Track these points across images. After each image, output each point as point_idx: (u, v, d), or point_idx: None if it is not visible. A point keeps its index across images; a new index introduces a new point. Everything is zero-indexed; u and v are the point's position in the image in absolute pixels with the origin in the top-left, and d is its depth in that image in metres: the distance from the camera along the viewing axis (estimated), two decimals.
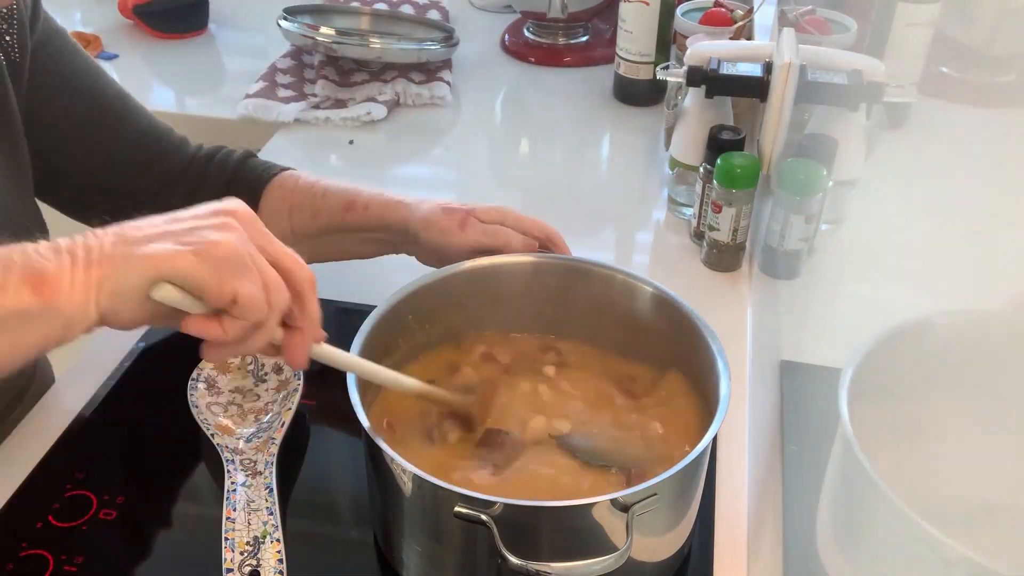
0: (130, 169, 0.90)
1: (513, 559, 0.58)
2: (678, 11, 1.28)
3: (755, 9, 1.24)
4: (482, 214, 0.84)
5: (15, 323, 0.53)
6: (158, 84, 1.51)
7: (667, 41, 1.32)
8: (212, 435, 0.78)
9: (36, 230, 0.82)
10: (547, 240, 0.84)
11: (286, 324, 0.61)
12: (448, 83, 1.41)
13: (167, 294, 0.55)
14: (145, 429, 0.84)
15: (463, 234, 0.82)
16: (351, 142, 1.30)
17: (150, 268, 0.54)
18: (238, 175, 0.92)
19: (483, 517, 0.59)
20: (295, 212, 0.89)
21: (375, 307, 0.74)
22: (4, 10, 0.78)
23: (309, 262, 0.65)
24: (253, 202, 0.85)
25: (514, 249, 0.82)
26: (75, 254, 0.55)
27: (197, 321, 0.57)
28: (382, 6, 1.61)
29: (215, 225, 0.56)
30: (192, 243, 0.55)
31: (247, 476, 0.74)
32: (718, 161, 0.98)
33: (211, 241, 0.55)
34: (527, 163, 1.34)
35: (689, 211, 1.10)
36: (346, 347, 0.68)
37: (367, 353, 0.70)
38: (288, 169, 0.93)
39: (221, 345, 0.58)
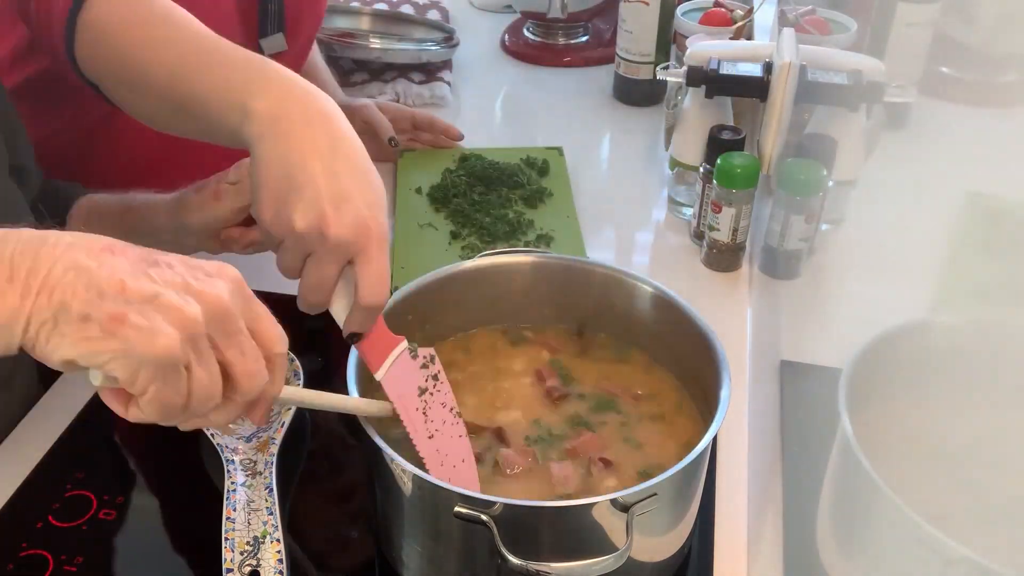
0: None
1: (513, 559, 0.58)
2: (678, 11, 1.28)
3: (755, 9, 1.24)
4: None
5: None
6: None
7: (667, 41, 1.32)
8: (212, 435, 0.78)
9: (12, 211, 0.81)
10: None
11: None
12: (448, 83, 1.41)
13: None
14: (145, 429, 0.84)
15: (219, 204, 0.79)
16: None
17: (73, 352, 0.50)
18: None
19: (483, 517, 0.59)
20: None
21: None
22: None
23: None
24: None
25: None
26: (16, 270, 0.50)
27: (106, 393, 0.54)
28: (382, 6, 1.61)
29: (175, 306, 0.51)
30: (132, 333, 0.49)
31: (247, 476, 0.74)
32: (718, 161, 0.98)
33: (153, 332, 0.50)
34: None
35: (689, 211, 1.10)
36: (346, 348, 0.68)
37: None
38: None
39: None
